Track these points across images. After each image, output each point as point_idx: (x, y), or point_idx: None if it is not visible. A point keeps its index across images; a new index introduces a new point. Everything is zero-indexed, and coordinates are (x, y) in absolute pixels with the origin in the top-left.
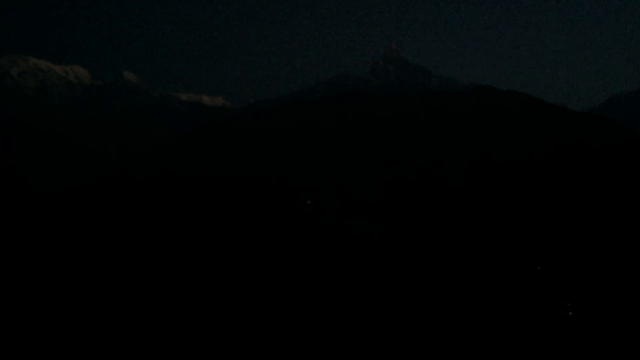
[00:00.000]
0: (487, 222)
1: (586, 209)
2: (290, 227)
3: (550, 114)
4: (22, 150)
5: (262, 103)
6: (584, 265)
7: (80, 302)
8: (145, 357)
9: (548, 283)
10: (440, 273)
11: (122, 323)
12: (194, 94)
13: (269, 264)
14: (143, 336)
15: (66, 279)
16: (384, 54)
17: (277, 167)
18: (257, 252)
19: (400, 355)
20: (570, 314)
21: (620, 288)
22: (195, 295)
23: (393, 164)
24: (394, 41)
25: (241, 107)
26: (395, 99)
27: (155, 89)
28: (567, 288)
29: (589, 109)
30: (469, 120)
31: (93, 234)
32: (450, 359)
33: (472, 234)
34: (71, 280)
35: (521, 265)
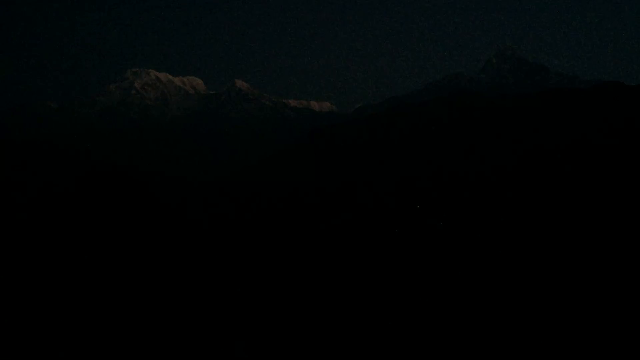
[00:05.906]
0: (616, 227)
1: None
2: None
3: None
4: (146, 155)
5: (372, 107)
6: None
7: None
8: None
9: None
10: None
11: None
12: (303, 100)
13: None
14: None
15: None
16: (497, 52)
17: (388, 172)
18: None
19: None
20: None
21: None
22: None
23: (510, 166)
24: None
25: (349, 111)
26: (512, 98)
27: (265, 96)
28: None
29: None
30: (591, 117)
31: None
32: None
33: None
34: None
35: None
